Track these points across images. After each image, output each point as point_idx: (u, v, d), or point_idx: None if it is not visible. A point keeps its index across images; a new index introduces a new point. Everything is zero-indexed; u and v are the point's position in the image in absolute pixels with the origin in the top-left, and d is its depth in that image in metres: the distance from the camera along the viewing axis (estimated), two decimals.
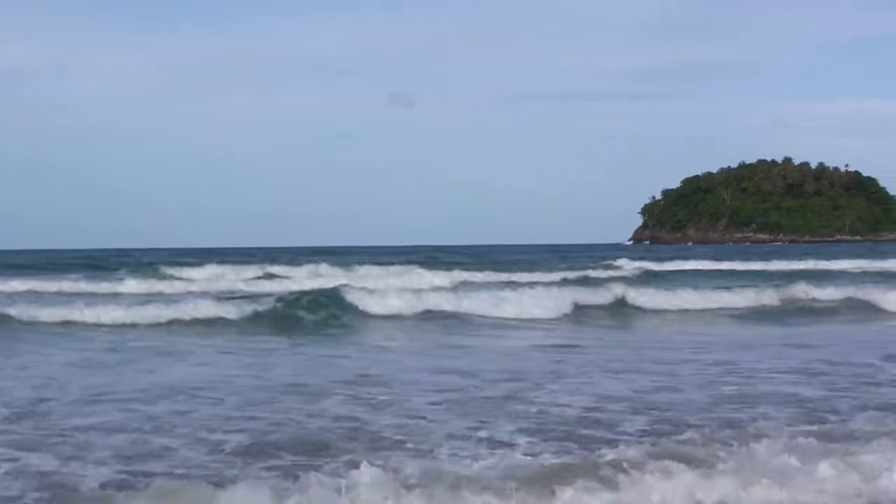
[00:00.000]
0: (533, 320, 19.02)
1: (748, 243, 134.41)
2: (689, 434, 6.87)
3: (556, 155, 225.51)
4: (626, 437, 7.16)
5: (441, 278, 30.15)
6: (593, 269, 38.18)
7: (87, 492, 5.85)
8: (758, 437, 6.60)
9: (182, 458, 6.71)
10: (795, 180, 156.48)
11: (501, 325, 18.43)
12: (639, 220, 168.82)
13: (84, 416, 8.27)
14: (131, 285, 28.66)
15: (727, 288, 23.60)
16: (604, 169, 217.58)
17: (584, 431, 7.49)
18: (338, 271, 36.47)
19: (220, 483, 5.65)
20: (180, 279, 34.03)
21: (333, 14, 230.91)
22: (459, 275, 32.33)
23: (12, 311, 18.06)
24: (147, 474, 6.24)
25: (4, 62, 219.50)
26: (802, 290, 22.55)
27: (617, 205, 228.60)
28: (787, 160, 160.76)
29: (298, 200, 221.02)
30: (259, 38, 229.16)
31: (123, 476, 6.21)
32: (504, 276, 33.50)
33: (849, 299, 21.85)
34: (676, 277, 32.87)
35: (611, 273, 35.24)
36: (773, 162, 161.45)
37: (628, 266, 40.63)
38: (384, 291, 20.99)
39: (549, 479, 5.62)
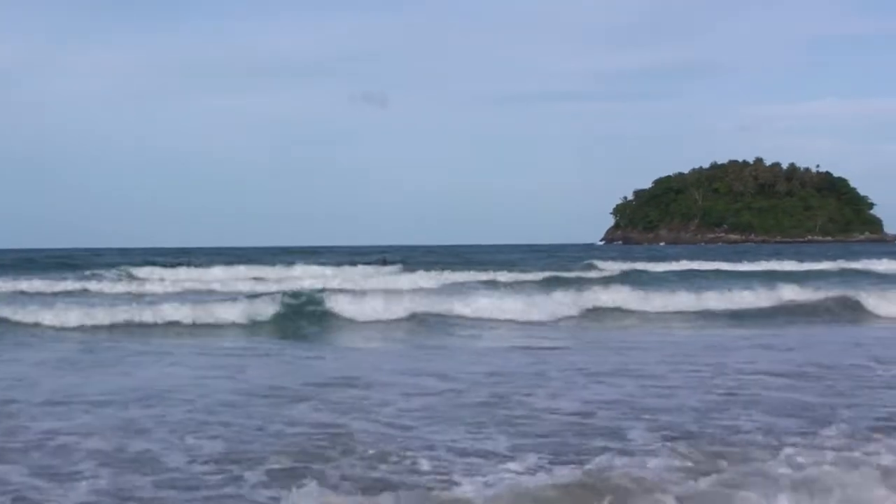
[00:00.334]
0: (524, 322, 18.68)
1: (720, 244, 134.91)
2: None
3: (527, 155, 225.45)
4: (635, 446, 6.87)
5: (424, 279, 30.07)
6: (572, 269, 37.99)
7: None
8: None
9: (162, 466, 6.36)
10: (767, 181, 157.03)
11: (484, 325, 18.13)
12: (610, 221, 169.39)
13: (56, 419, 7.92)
14: (104, 286, 28.32)
15: (710, 289, 23.34)
16: (575, 169, 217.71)
17: (585, 441, 7.20)
18: (316, 271, 36.11)
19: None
20: (154, 280, 33.55)
21: (322, 14, 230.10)
22: (439, 275, 32.05)
23: None
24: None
25: None
26: (787, 291, 22.36)
27: (588, 205, 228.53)
28: (759, 161, 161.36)
29: (276, 200, 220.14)
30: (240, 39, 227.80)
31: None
32: (483, 276, 33.18)
33: (833, 299, 21.67)
34: (658, 278, 32.72)
35: (592, 274, 34.99)
36: (745, 162, 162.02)
37: (609, 267, 40.44)
38: (363, 292, 20.68)
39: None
